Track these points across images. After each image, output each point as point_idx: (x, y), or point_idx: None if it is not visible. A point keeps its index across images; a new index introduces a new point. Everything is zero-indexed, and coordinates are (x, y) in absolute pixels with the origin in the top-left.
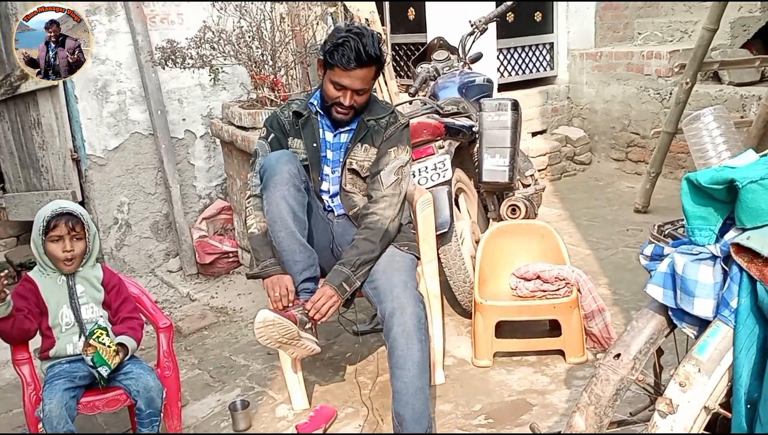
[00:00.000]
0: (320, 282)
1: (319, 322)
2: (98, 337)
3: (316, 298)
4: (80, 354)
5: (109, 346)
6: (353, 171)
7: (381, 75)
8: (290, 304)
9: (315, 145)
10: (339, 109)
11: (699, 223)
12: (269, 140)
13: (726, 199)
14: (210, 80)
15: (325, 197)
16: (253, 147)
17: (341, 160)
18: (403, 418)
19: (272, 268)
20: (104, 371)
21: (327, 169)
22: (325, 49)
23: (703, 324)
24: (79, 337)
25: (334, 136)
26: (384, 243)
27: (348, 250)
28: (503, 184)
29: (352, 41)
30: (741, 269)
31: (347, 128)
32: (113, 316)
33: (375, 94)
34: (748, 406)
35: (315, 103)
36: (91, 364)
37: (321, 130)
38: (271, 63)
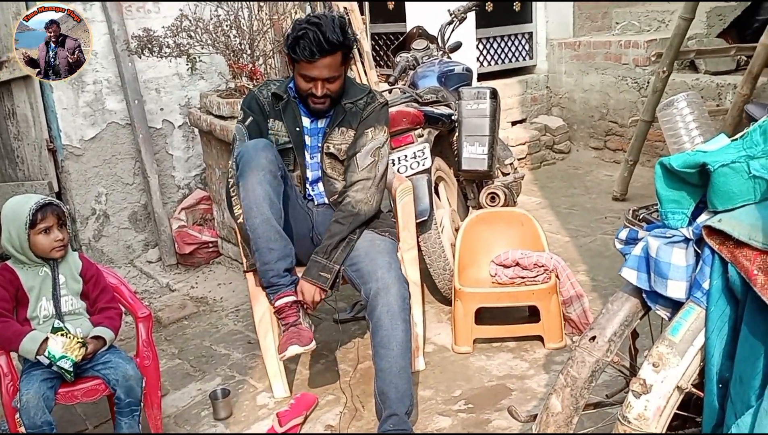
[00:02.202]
0: (295, 271)
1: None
2: (57, 329)
3: (299, 298)
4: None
5: (71, 338)
6: (331, 155)
7: (356, 59)
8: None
9: (298, 129)
10: (314, 100)
11: (672, 206)
12: (247, 124)
13: (698, 182)
14: (187, 69)
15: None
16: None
17: (319, 145)
18: (387, 397)
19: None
20: (66, 364)
21: (306, 155)
22: (287, 44)
23: (676, 306)
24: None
25: (311, 121)
26: (354, 225)
27: (323, 238)
28: (482, 172)
29: (311, 32)
30: (713, 251)
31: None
32: (91, 306)
33: (352, 77)
34: (720, 385)
35: (292, 86)
36: (47, 362)
37: (300, 115)
38: (249, 52)
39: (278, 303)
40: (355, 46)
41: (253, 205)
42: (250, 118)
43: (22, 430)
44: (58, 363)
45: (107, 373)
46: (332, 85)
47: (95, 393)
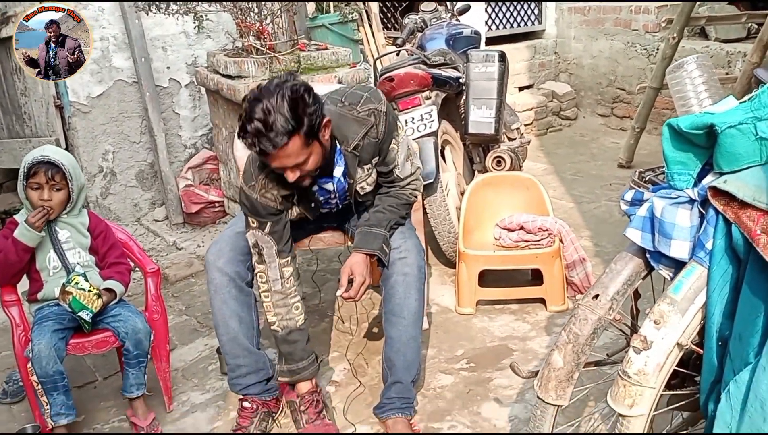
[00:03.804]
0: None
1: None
2: (76, 283)
3: (345, 279)
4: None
5: (89, 291)
6: (362, 189)
7: (363, 20)
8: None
9: (314, 205)
10: (293, 183)
11: (678, 167)
12: (266, 231)
13: (705, 144)
14: (194, 28)
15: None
16: (233, 138)
17: (345, 194)
18: (393, 364)
19: (298, 375)
20: (86, 315)
21: (332, 201)
22: (238, 134)
23: (678, 266)
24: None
25: (336, 183)
26: (408, 212)
27: (373, 213)
28: (489, 135)
29: (253, 127)
30: (717, 212)
31: (341, 169)
32: (100, 261)
33: (342, 110)
34: (719, 343)
35: None
36: (69, 309)
37: (317, 188)
38: (256, 11)
39: (244, 404)
40: (316, 120)
41: (220, 324)
42: (268, 224)
43: (34, 379)
44: (79, 314)
45: (117, 325)
46: (306, 166)
47: (105, 345)
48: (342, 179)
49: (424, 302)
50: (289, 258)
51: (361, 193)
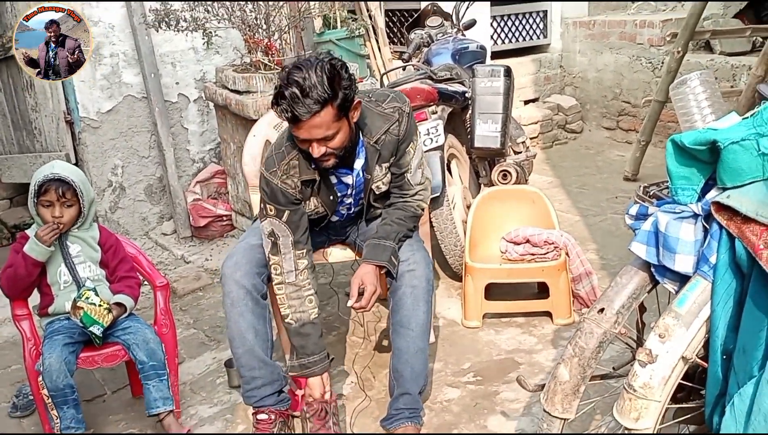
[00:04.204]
0: (291, 391)
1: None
2: (87, 298)
3: (355, 290)
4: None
5: (99, 305)
6: (377, 188)
7: (370, 36)
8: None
9: (332, 197)
10: (316, 159)
11: (682, 182)
12: (284, 219)
13: (708, 159)
14: (203, 44)
15: (342, 210)
16: (259, 178)
17: (361, 191)
18: (401, 375)
19: (309, 370)
20: (97, 330)
21: (348, 199)
22: (272, 102)
23: (683, 280)
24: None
25: (355, 176)
26: (415, 223)
27: (381, 226)
28: (495, 149)
29: (289, 92)
30: (720, 227)
31: (361, 162)
32: (110, 275)
33: (369, 104)
34: (724, 356)
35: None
36: (80, 324)
37: (336, 179)
38: (264, 27)
39: (259, 416)
40: (351, 95)
41: (236, 336)
42: (286, 213)
43: (45, 392)
44: (89, 328)
45: (127, 338)
46: (332, 142)
47: (115, 358)
48: (361, 173)
49: (432, 314)
50: (304, 250)
51: (376, 192)
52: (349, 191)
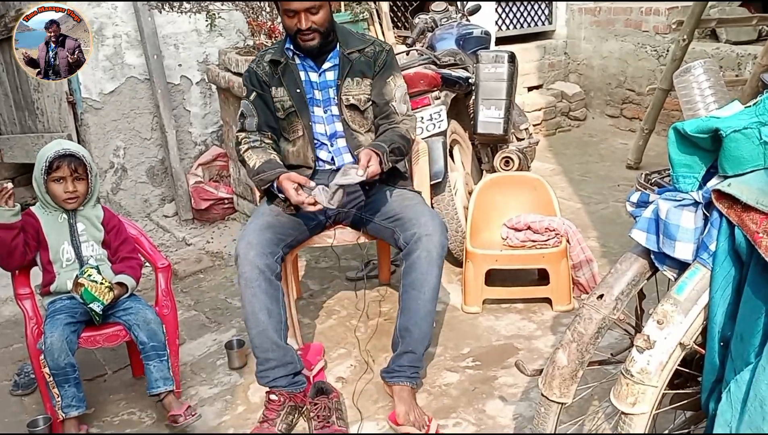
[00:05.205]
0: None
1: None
2: (89, 275)
3: (365, 160)
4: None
5: (101, 283)
6: (352, 106)
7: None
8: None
9: (299, 90)
10: (303, 37)
11: (684, 170)
12: (251, 99)
13: (710, 147)
14: (206, 26)
15: (323, 140)
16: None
17: (333, 97)
18: (410, 333)
19: (265, 174)
20: (97, 307)
21: (318, 111)
22: None
23: (683, 267)
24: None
25: (320, 75)
26: (407, 148)
27: (375, 138)
28: (497, 136)
29: None
30: (721, 215)
31: (330, 65)
32: (112, 255)
33: (352, 32)
34: (721, 343)
35: (290, 47)
36: (81, 301)
37: (304, 72)
38: (268, 9)
39: (271, 396)
40: None
41: (250, 317)
42: (254, 93)
43: (46, 371)
44: (90, 305)
45: (128, 318)
46: (316, 17)
47: (116, 338)
48: (327, 76)
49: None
50: (269, 133)
51: (345, 102)
52: (315, 92)
